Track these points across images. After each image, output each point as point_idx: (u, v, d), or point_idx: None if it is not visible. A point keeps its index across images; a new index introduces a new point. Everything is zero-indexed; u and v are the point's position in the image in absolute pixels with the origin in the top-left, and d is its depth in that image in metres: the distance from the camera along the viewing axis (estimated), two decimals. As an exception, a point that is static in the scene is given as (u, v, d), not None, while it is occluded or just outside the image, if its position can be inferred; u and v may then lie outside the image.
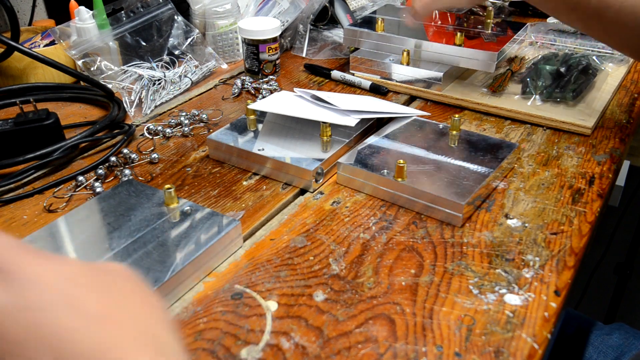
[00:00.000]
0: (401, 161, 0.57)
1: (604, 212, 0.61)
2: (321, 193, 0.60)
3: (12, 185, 0.63)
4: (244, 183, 0.63)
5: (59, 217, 0.53)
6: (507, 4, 1.12)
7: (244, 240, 0.54)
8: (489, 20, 0.87)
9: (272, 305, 0.46)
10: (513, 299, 0.46)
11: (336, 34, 1.00)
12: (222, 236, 0.50)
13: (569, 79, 0.75)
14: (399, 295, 0.46)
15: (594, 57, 0.81)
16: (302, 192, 0.61)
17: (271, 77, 0.86)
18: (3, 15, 0.93)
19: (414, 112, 0.72)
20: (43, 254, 0.28)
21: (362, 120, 0.67)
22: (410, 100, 0.81)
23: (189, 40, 0.91)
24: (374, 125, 0.69)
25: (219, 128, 0.69)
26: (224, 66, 0.92)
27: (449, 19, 0.90)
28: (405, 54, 0.81)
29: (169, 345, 0.28)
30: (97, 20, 0.84)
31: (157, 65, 0.86)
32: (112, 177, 0.64)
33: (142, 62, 0.86)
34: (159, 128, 0.72)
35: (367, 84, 0.82)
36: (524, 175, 0.62)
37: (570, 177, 0.62)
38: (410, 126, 0.68)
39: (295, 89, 0.75)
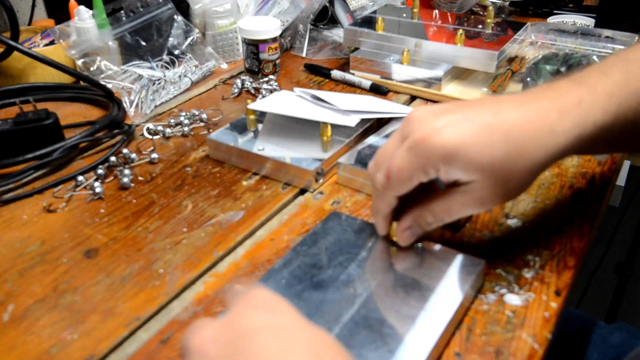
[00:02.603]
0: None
1: (604, 212, 0.61)
2: (321, 193, 0.60)
3: (11, 185, 0.63)
4: (244, 183, 0.63)
5: (277, 263, 0.47)
6: (507, 3, 1.12)
7: (244, 240, 0.54)
8: (489, 20, 0.87)
9: (272, 306, 0.46)
10: (513, 299, 0.46)
11: (336, 34, 1.00)
12: (474, 280, 0.45)
13: (569, 79, 0.75)
14: (399, 296, 0.46)
15: (595, 57, 0.81)
16: (302, 192, 0.61)
17: (271, 77, 0.86)
18: (2, 15, 0.93)
19: (414, 112, 0.72)
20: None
21: (362, 120, 0.67)
22: (410, 100, 0.81)
23: (189, 40, 0.91)
24: (374, 125, 0.69)
25: (219, 128, 0.69)
26: (224, 66, 0.92)
27: (449, 19, 0.90)
28: (405, 53, 0.81)
29: None
30: (96, 20, 0.84)
31: (157, 65, 0.86)
32: (112, 177, 0.64)
33: (141, 62, 0.86)
34: (159, 128, 0.72)
35: (367, 83, 0.82)
36: (524, 175, 0.62)
37: (570, 177, 0.61)
38: (410, 126, 0.68)
39: (295, 89, 0.75)
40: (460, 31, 0.79)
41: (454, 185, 0.44)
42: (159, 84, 0.81)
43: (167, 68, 0.86)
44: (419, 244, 0.48)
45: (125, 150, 0.66)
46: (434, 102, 0.79)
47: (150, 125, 0.72)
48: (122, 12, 0.87)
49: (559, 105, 0.43)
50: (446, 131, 0.41)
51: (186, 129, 0.72)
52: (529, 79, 0.77)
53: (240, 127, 0.68)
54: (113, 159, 0.65)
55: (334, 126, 0.65)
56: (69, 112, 0.79)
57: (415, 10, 0.92)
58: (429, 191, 0.46)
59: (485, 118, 0.42)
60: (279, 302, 0.32)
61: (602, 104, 0.43)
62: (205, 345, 0.30)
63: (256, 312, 0.31)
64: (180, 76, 0.84)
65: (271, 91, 0.81)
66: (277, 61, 0.87)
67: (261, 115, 0.70)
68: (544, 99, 0.44)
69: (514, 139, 0.41)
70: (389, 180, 0.44)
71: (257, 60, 0.86)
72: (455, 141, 0.41)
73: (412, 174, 0.43)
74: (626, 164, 1.31)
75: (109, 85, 0.80)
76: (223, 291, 0.48)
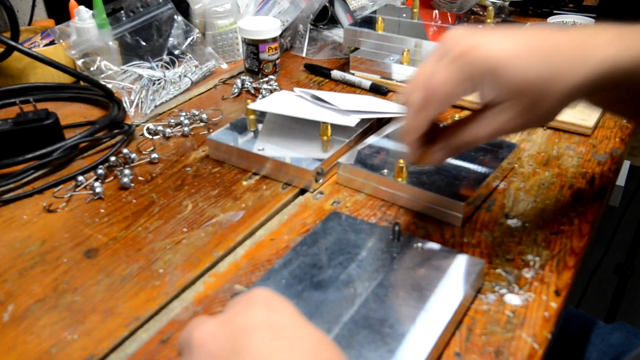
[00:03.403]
0: (401, 161, 0.57)
1: (604, 212, 0.61)
2: (321, 193, 0.60)
3: (11, 185, 0.63)
4: (244, 183, 0.63)
5: (277, 263, 0.47)
6: (507, 3, 1.12)
7: (244, 240, 0.54)
8: (489, 20, 0.87)
9: (272, 306, 0.46)
10: (513, 299, 0.46)
11: (336, 34, 1.00)
12: (474, 280, 0.45)
13: (569, 79, 0.75)
14: (399, 296, 0.46)
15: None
16: (302, 192, 0.61)
17: (271, 77, 0.86)
18: (3, 15, 0.93)
19: (414, 112, 0.72)
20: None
21: (362, 120, 0.67)
22: (410, 100, 0.81)
23: (189, 40, 0.91)
24: (374, 125, 0.69)
25: (219, 128, 0.69)
26: (224, 66, 0.92)
27: (449, 19, 0.90)
28: (405, 53, 0.81)
29: None
30: (96, 20, 0.84)
31: (157, 65, 0.86)
32: (112, 177, 0.64)
33: (141, 62, 0.86)
34: (159, 128, 0.72)
35: (367, 83, 0.82)
36: (524, 175, 0.62)
37: (570, 177, 0.61)
38: (410, 126, 0.68)
39: (295, 89, 0.75)
40: (460, 31, 0.79)
41: (485, 108, 0.44)
42: (159, 84, 0.81)
43: (167, 68, 0.86)
44: (419, 244, 0.48)
45: (125, 150, 0.66)
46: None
47: (150, 125, 0.72)
48: (122, 12, 0.87)
49: (601, 35, 0.43)
50: (490, 45, 0.42)
51: (186, 129, 0.72)
52: (529, 79, 0.76)
53: (240, 127, 0.68)
54: (113, 159, 0.65)
55: (334, 126, 0.65)
56: (69, 112, 0.79)
57: (415, 10, 0.92)
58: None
59: (526, 37, 0.43)
60: (279, 300, 0.32)
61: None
62: (206, 341, 0.30)
63: (255, 309, 0.31)
64: (180, 76, 0.84)
65: (271, 91, 0.81)
66: (277, 61, 0.87)
67: (261, 115, 0.70)
68: (586, 29, 0.45)
69: (554, 59, 0.42)
70: (430, 96, 0.43)
71: (257, 60, 0.86)
72: (499, 54, 0.42)
73: (456, 87, 0.43)
74: (626, 164, 1.31)
75: (109, 85, 0.80)
76: (223, 291, 0.48)
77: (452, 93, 0.43)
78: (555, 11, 1.09)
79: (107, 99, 0.79)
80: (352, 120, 0.65)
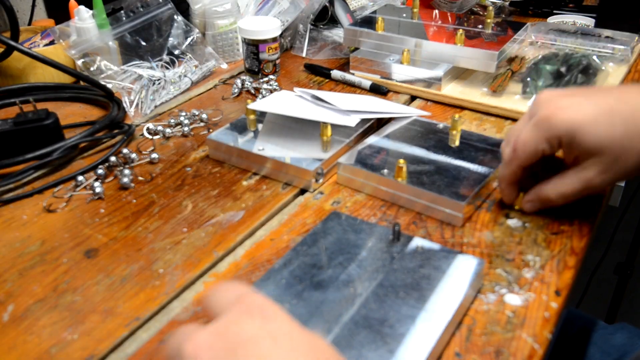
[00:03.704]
0: (401, 161, 0.57)
1: (604, 212, 0.61)
2: (321, 193, 0.60)
3: (11, 185, 0.63)
4: (244, 183, 0.63)
5: (277, 263, 0.47)
6: (507, 3, 1.12)
7: (244, 240, 0.54)
8: (489, 20, 0.87)
9: (272, 306, 0.46)
10: (513, 299, 0.46)
11: (336, 34, 1.00)
12: (474, 280, 0.45)
13: (569, 79, 0.75)
14: (399, 296, 0.46)
15: (595, 57, 0.81)
16: (302, 192, 0.61)
17: (271, 77, 0.86)
18: (2, 14, 0.93)
19: (414, 111, 0.72)
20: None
21: (362, 120, 0.67)
22: (410, 100, 0.81)
23: (189, 40, 0.91)
24: (374, 125, 0.69)
25: (219, 128, 0.69)
26: (224, 66, 0.92)
27: (449, 19, 0.90)
28: (405, 53, 0.81)
29: None
30: (96, 20, 0.84)
31: (156, 65, 0.85)
32: (112, 177, 0.64)
33: (141, 62, 0.86)
34: (159, 128, 0.72)
35: (367, 83, 0.82)
36: (524, 175, 0.62)
37: (570, 177, 0.61)
38: (410, 126, 0.68)
39: (295, 89, 0.75)
40: (460, 31, 0.79)
41: (572, 165, 0.50)
42: (159, 84, 0.81)
43: (167, 68, 0.86)
44: (419, 244, 0.48)
45: (125, 150, 0.66)
46: (434, 102, 0.79)
47: (150, 125, 0.72)
48: (122, 12, 0.87)
49: None
50: (571, 109, 0.48)
51: (186, 129, 0.72)
52: (529, 79, 0.77)
53: (240, 127, 0.68)
54: (113, 159, 0.65)
55: (334, 126, 0.65)
56: (69, 112, 0.79)
57: (415, 10, 0.92)
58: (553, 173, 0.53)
59: (608, 101, 0.48)
60: (273, 308, 0.32)
61: None
62: (200, 352, 0.29)
63: (253, 319, 0.30)
64: (180, 76, 0.84)
65: (271, 91, 0.81)
66: (277, 61, 0.87)
67: (261, 115, 0.70)
68: None
69: (635, 121, 0.47)
70: (515, 152, 0.51)
71: (257, 60, 0.86)
72: (578, 118, 0.47)
73: (535, 146, 0.49)
74: (626, 164, 1.31)
75: (109, 85, 0.80)
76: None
77: (533, 151, 0.50)
78: (555, 11, 1.09)
79: (107, 99, 0.79)
80: (352, 120, 0.65)
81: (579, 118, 0.47)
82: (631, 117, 0.47)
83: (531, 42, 0.91)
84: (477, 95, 0.77)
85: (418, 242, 0.49)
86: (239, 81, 0.83)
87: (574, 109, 0.48)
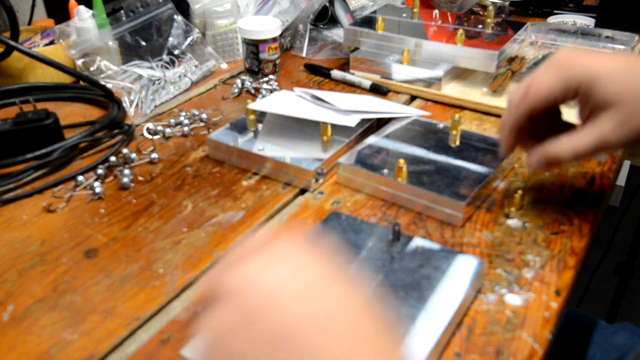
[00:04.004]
0: (401, 161, 0.57)
1: (604, 212, 0.61)
2: (321, 193, 0.60)
3: (11, 185, 0.62)
4: (244, 183, 0.63)
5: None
6: (507, 3, 1.12)
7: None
8: (489, 20, 0.87)
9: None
10: (513, 299, 0.46)
11: (336, 34, 1.00)
12: (474, 280, 0.45)
13: (569, 79, 0.75)
14: (399, 296, 0.46)
15: (595, 57, 0.81)
16: (302, 192, 0.61)
17: (271, 76, 0.86)
18: (2, 14, 0.93)
19: (414, 111, 0.72)
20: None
21: (362, 120, 0.67)
22: (410, 100, 0.81)
23: (189, 40, 0.90)
24: (374, 125, 0.69)
25: (219, 128, 0.69)
26: (224, 66, 0.92)
27: (449, 19, 0.90)
28: (405, 53, 0.81)
29: None
30: (96, 20, 0.84)
31: (156, 65, 0.85)
32: (112, 177, 0.64)
33: (141, 61, 0.86)
34: (159, 128, 0.72)
35: (367, 83, 0.82)
36: (524, 175, 0.62)
37: (570, 177, 0.61)
38: (410, 126, 0.68)
39: (295, 89, 0.75)
40: (460, 31, 0.79)
41: (587, 121, 0.48)
42: (159, 84, 0.81)
43: (167, 68, 0.86)
44: (419, 244, 0.48)
45: (125, 150, 0.66)
46: (435, 102, 0.79)
47: (150, 125, 0.72)
48: (122, 12, 0.87)
49: None
50: (592, 59, 0.47)
51: (186, 129, 0.72)
52: (529, 78, 0.77)
53: (240, 127, 0.68)
54: (113, 159, 0.65)
55: (334, 126, 0.65)
56: (69, 112, 0.79)
57: (415, 10, 0.92)
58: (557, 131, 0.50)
59: (628, 60, 0.48)
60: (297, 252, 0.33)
61: None
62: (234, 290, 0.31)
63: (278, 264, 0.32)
64: (180, 76, 0.84)
65: (271, 91, 0.81)
66: (277, 61, 0.87)
67: (261, 115, 0.70)
68: None
69: None
70: (527, 94, 0.48)
71: (257, 60, 0.86)
72: (598, 67, 0.47)
73: (551, 88, 0.47)
74: (626, 164, 1.31)
75: (109, 85, 0.80)
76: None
77: (547, 94, 0.48)
78: (555, 11, 1.09)
79: (107, 99, 0.79)
80: (352, 120, 0.65)
81: (599, 67, 0.46)
82: None
83: (531, 42, 0.91)
84: (477, 95, 0.77)
85: (418, 242, 0.49)
86: (239, 81, 0.83)
87: (594, 59, 0.47)
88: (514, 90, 0.51)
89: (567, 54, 0.49)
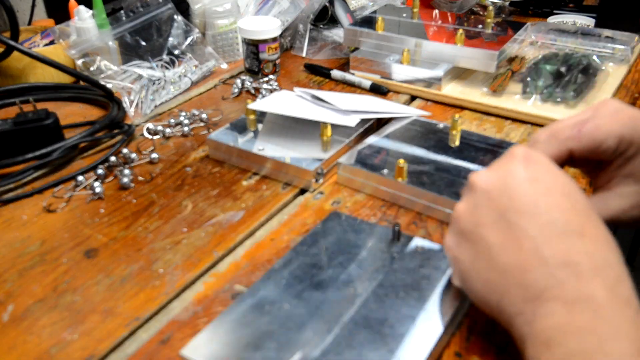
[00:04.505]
0: (401, 161, 0.57)
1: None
2: (321, 193, 0.60)
3: (11, 185, 0.62)
4: (244, 183, 0.63)
5: (277, 263, 0.47)
6: (507, 3, 1.12)
7: (244, 240, 0.54)
8: (489, 20, 0.87)
9: (272, 306, 0.46)
10: (513, 299, 0.46)
11: (336, 34, 1.00)
12: None
13: (569, 79, 0.75)
14: (399, 296, 0.46)
15: (595, 57, 0.81)
16: (302, 192, 0.61)
17: (271, 76, 0.86)
18: (2, 14, 0.93)
19: (414, 111, 0.72)
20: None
21: (362, 120, 0.67)
22: (410, 100, 0.81)
23: (189, 40, 0.90)
24: (374, 125, 0.69)
25: (219, 128, 0.69)
26: (224, 66, 0.92)
27: (449, 19, 0.90)
28: (405, 53, 0.81)
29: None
30: (96, 20, 0.84)
31: (156, 65, 0.85)
32: (112, 177, 0.64)
33: (141, 61, 0.86)
34: (159, 128, 0.72)
35: (367, 83, 0.82)
36: (524, 175, 0.62)
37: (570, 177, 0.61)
38: (410, 126, 0.68)
39: (295, 89, 0.75)
40: (460, 31, 0.79)
41: (606, 188, 0.44)
42: (159, 84, 0.81)
43: (167, 68, 0.86)
44: (419, 244, 0.48)
45: (125, 150, 0.66)
46: (435, 102, 0.79)
47: (150, 125, 0.72)
48: (122, 12, 0.87)
49: None
50: None
51: (186, 129, 0.72)
52: (529, 79, 0.77)
53: (240, 127, 0.68)
54: (113, 159, 0.65)
55: (334, 126, 0.65)
56: (69, 112, 0.79)
57: (415, 10, 0.93)
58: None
59: None
60: (538, 158, 0.38)
61: None
62: (481, 184, 0.39)
63: (521, 167, 0.38)
64: (180, 76, 0.84)
65: (271, 91, 0.81)
66: (277, 61, 0.87)
67: (261, 115, 0.70)
68: None
69: None
70: (580, 133, 0.42)
71: (257, 60, 0.86)
72: None
73: (607, 136, 0.42)
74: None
75: (109, 85, 0.80)
76: (223, 291, 0.48)
77: (603, 141, 0.42)
78: (555, 11, 1.09)
79: (107, 99, 0.79)
80: (352, 120, 0.65)
81: None
82: None
83: (531, 42, 0.91)
84: (477, 95, 0.77)
85: (418, 242, 0.49)
86: (239, 81, 0.83)
87: None
88: (555, 124, 0.44)
89: (627, 105, 0.44)
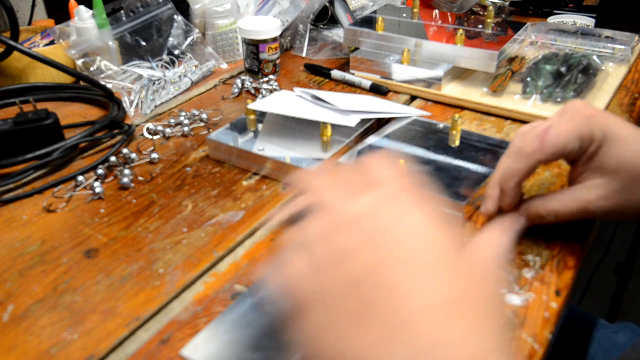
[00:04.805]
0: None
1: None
2: (321, 193, 0.60)
3: (11, 185, 0.62)
4: (244, 183, 0.63)
5: None
6: (507, 3, 1.12)
7: (244, 240, 0.54)
8: (489, 20, 0.87)
9: (272, 306, 0.46)
10: (513, 299, 0.46)
11: (336, 34, 1.00)
12: None
13: (569, 79, 0.75)
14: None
15: (595, 57, 0.81)
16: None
17: (271, 76, 0.86)
18: (2, 14, 0.93)
19: (414, 111, 0.72)
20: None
21: (362, 120, 0.67)
22: (410, 100, 0.81)
23: (189, 39, 0.90)
24: (374, 125, 0.69)
25: (219, 128, 0.69)
26: (224, 66, 0.92)
27: (449, 19, 0.90)
28: (405, 53, 0.81)
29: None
30: (96, 20, 0.84)
31: (156, 65, 0.85)
32: (112, 177, 0.64)
33: (141, 61, 0.86)
34: (159, 128, 0.72)
35: (367, 83, 0.82)
36: (524, 175, 0.62)
37: (570, 177, 0.61)
38: (410, 126, 0.68)
39: (295, 89, 0.75)
40: (460, 31, 0.79)
41: (576, 182, 0.47)
42: (159, 84, 0.81)
43: (167, 68, 0.86)
44: None
45: (125, 150, 0.66)
46: (435, 102, 0.79)
47: (150, 125, 0.72)
48: (122, 12, 0.87)
49: None
50: (608, 118, 0.45)
51: (186, 129, 0.72)
52: (529, 79, 0.77)
53: (240, 127, 0.68)
54: (113, 159, 0.65)
55: (334, 126, 0.65)
56: (69, 112, 0.79)
57: (415, 10, 0.92)
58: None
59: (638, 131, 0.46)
60: (414, 200, 0.32)
61: None
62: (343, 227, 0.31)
63: (392, 209, 0.31)
64: (180, 76, 0.84)
65: (271, 91, 0.81)
66: (277, 61, 0.87)
67: (261, 115, 0.70)
68: None
69: None
70: (542, 144, 0.44)
71: (257, 60, 0.86)
72: (614, 128, 0.45)
73: (568, 141, 0.44)
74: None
75: (109, 85, 0.80)
76: (223, 291, 0.48)
77: (563, 147, 0.44)
78: (555, 11, 1.09)
79: (107, 99, 0.79)
80: (352, 120, 0.65)
81: (616, 129, 0.44)
82: None
83: (531, 42, 0.91)
84: (477, 95, 0.77)
85: None
86: (239, 81, 0.83)
87: (611, 120, 0.45)
88: (520, 138, 0.46)
89: (584, 105, 0.46)
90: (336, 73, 0.86)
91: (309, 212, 0.33)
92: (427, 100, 0.80)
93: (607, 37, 0.89)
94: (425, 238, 0.30)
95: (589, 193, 0.45)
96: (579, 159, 0.46)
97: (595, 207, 0.45)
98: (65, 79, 0.87)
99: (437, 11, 0.94)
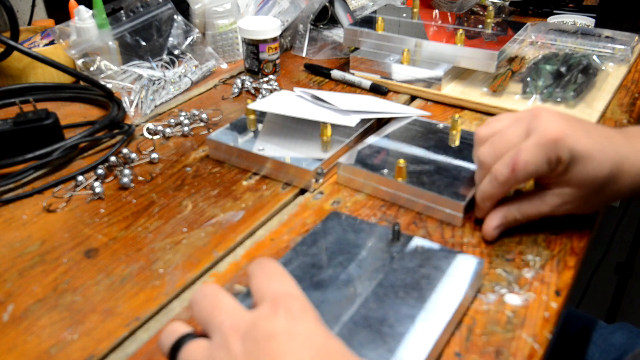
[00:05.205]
0: (401, 161, 0.57)
1: (604, 212, 0.61)
2: (321, 193, 0.60)
3: (11, 185, 0.63)
4: (244, 183, 0.63)
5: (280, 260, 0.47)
6: (507, 3, 1.12)
7: (244, 240, 0.54)
8: (489, 20, 0.87)
9: (272, 306, 0.46)
10: (513, 299, 0.46)
11: (336, 34, 1.00)
12: (474, 280, 0.45)
13: (569, 79, 0.75)
14: (399, 296, 0.46)
15: (595, 57, 0.81)
16: (302, 192, 0.61)
17: (271, 76, 0.86)
18: (2, 14, 0.93)
19: (414, 111, 0.72)
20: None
21: (362, 120, 0.67)
22: (410, 100, 0.81)
23: (189, 39, 0.91)
24: (374, 125, 0.69)
25: (219, 128, 0.69)
26: (224, 66, 0.92)
27: (449, 19, 0.90)
28: (405, 53, 0.81)
29: None
30: (96, 20, 0.84)
31: (156, 65, 0.86)
32: (112, 177, 0.64)
33: (141, 61, 0.86)
34: (159, 128, 0.72)
35: (367, 83, 0.82)
36: (524, 175, 0.62)
37: (570, 177, 0.61)
38: (410, 126, 0.68)
39: (295, 89, 0.75)
40: (460, 31, 0.79)
41: (545, 187, 0.51)
42: (159, 84, 0.81)
43: (167, 68, 0.86)
44: (419, 244, 0.48)
45: (125, 150, 0.66)
46: (434, 102, 0.79)
47: (150, 125, 0.72)
48: (122, 12, 0.87)
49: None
50: (577, 135, 0.47)
51: (186, 129, 0.72)
52: (529, 79, 0.77)
53: (240, 127, 0.68)
54: (113, 159, 0.65)
55: (334, 126, 0.65)
56: (69, 112, 0.79)
57: (415, 10, 0.93)
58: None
59: (602, 142, 0.49)
60: (302, 308, 0.34)
61: None
62: (232, 334, 0.33)
63: (280, 317, 0.33)
64: (180, 76, 0.84)
65: (271, 91, 0.81)
66: (277, 61, 0.87)
67: (261, 115, 0.70)
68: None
69: (620, 167, 0.48)
70: (515, 172, 0.48)
71: (257, 60, 0.86)
72: (584, 148, 0.47)
73: (538, 167, 0.47)
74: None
75: (109, 85, 0.80)
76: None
77: (534, 172, 0.48)
78: (555, 11, 1.09)
79: (107, 99, 0.79)
80: (352, 120, 0.65)
81: (583, 147, 0.47)
82: (618, 162, 0.48)
83: (531, 42, 0.91)
84: (477, 95, 0.77)
85: (418, 242, 0.49)
86: (239, 81, 0.83)
87: (580, 136, 0.47)
88: (485, 156, 0.50)
89: (551, 119, 0.48)
90: (336, 73, 0.86)
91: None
92: (427, 100, 0.80)
93: (607, 37, 0.89)
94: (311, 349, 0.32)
95: (557, 199, 0.50)
96: (550, 174, 0.49)
97: (561, 209, 0.51)
98: (65, 79, 0.87)
99: (437, 11, 0.94)
